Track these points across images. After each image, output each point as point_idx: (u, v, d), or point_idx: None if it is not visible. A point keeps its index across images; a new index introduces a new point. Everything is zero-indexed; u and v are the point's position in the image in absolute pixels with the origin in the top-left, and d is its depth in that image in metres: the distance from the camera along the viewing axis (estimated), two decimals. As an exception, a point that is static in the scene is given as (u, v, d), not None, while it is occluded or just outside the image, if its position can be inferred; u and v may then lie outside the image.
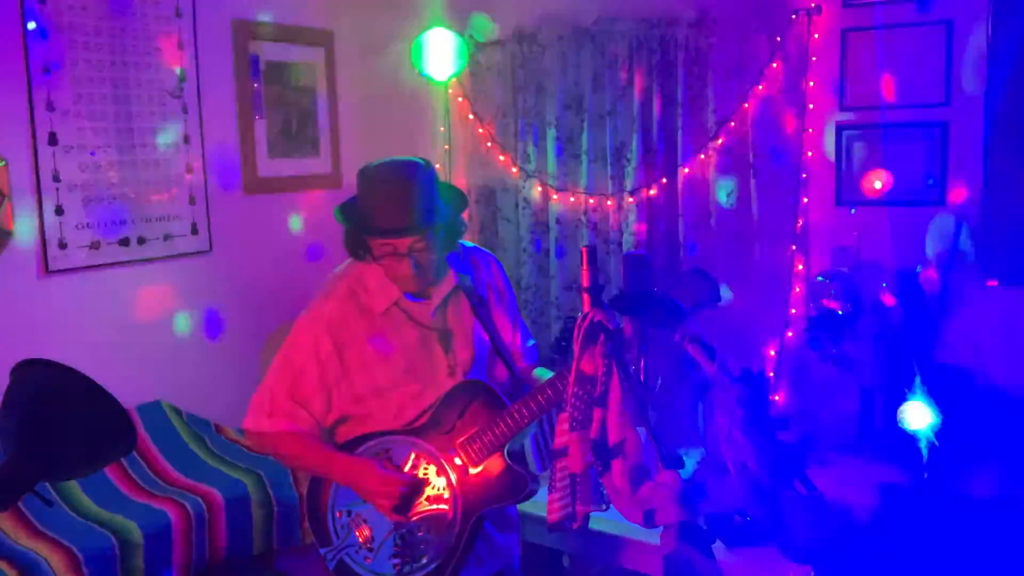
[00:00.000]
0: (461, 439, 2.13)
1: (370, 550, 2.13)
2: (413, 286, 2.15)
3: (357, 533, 2.14)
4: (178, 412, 3.61)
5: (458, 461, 2.13)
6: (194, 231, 3.78)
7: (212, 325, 3.84)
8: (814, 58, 3.23)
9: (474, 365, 2.23)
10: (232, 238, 3.93)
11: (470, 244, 2.35)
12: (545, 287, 3.88)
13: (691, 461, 2.76)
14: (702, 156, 3.43)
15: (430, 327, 2.18)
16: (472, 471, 2.12)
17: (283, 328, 4.01)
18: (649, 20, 3.47)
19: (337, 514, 2.16)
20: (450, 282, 2.21)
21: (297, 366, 2.17)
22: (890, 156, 3.17)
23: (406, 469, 2.14)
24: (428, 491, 2.13)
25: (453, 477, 2.12)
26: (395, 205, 2.05)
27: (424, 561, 2.11)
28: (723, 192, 3.40)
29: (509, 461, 2.14)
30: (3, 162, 3.11)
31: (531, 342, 2.42)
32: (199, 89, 3.76)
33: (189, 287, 3.78)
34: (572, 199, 3.74)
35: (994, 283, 2.99)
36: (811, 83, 3.25)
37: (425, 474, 2.14)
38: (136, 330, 3.57)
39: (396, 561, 2.11)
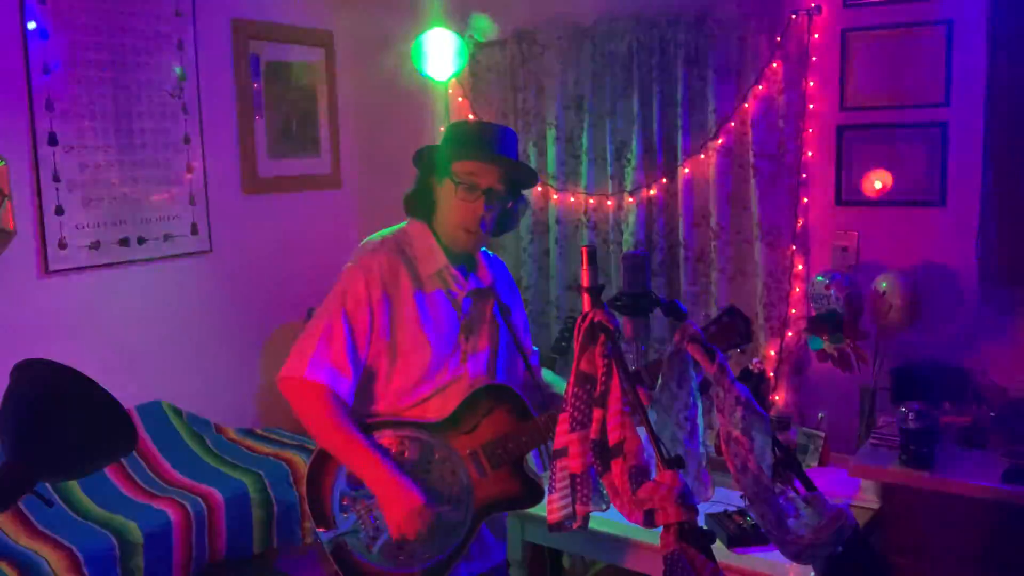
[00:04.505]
0: (483, 441, 2.13)
1: (372, 538, 2.11)
2: (468, 238, 2.15)
3: (360, 519, 2.12)
4: (178, 412, 3.61)
5: (476, 463, 2.13)
6: (194, 231, 3.78)
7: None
8: (814, 58, 3.23)
9: (498, 364, 2.25)
10: (232, 238, 3.93)
11: (490, 253, 2.39)
12: (545, 287, 3.88)
13: (691, 461, 2.76)
14: (702, 156, 3.43)
15: (459, 308, 2.20)
16: (489, 474, 2.12)
17: (283, 328, 4.04)
18: (649, 20, 3.47)
19: (342, 499, 2.14)
20: (487, 277, 2.25)
21: (349, 314, 2.10)
22: (890, 156, 3.17)
23: (421, 463, 2.12)
24: (443, 489, 2.12)
25: (468, 478, 2.12)
26: (491, 135, 2.16)
27: (427, 556, 2.11)
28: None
29: (526, 469, 2.16)
30: (3, 162, 3.11)
31: (534, 348, 2.46)
32: (199, 89, 3.76)
33: (189, 287, 3.78)
34: (572, 199, 3.74)
35: (994, 283, 2.98)
36: (811, 83, 3.25)
37: (440, 472, 2.13)
38: (136, 330, 3.57)
39: (398, 552, 2.10)
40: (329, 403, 2.06)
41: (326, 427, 2.08)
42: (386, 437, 2.14)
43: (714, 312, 3.45)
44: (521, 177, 2.21)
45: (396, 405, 2.17)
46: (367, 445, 2.07)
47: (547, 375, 2.37)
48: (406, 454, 2.13)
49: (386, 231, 2.24)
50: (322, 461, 2.16)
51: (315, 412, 2.08)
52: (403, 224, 2.25)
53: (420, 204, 2.21)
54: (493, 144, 2.14)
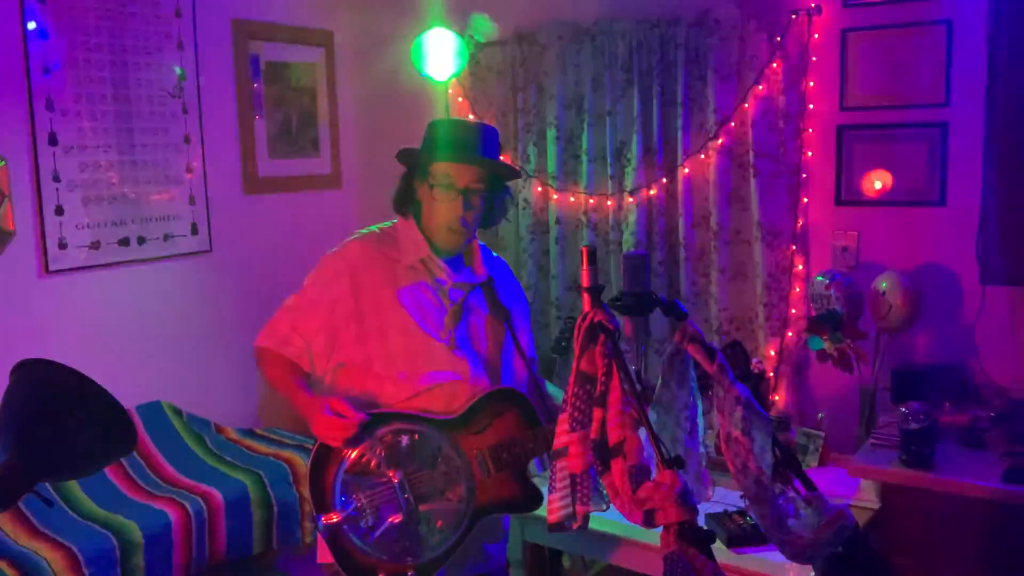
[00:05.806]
0: (490, 443, 2.14)
1: (371, 528, 2.10)
2: (452, 237, 2.19)
3: (361, 510, 2.10)
4: (178, 412, 3.61)
5: (482, 464, 2.13)
6: (194, 231, 3.78)
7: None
8: (814, 58, 3.23)
9: (501, 365, 2.26)
10: (232, 238, 3.93)
11: (494, 253, 2.41)
12: (545, 287, 3.88)
13: (691, 461, 2.76)
14: (702, 156, 3.43)
15: (446, 296, 2.21)
16: (492, 475, 2.13)
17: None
18: (649, 20, 3.46)
19: (343, 487, 2.12)
20: (483, 273, 2.26)
21: (309, 299, 2.24)
22: (890, 156, 3.17)
23: (428, 458, 2.13)
24: (446, 486, 2.13)
25: (471, 477, 2.13)
26: (466, 135, 2.19)
27: (425, 552, 2.10)
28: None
29: (528, 475, 2.17)
30: (3, 162, 3.11)
31: (535, 357, 2.46)
32: (199, 89, 3.76)
33: (189, 287, 3.78)
34: (572, 199, 3.74)
35: (994, 283, 2.99)
36: (811, 83, 3.25)
37: (445, 468, 2.13)
38: (136, 330, 3.57)
39: (394, 544, 2.10)
40: (276, 364, 2.23)
41: (275, 384, 2.25)
42: (393, 428, 2.14)
43: (714, 313, 3.45)
44: (500, 174, 2.24)
45: (397, 395, 2.18)
46: (298, 384, 2.21)
47: (550, 388, 2.38)
48: (412, 445, 2.13)
49: (374, 226, 2.32)
50: (326, 450, 2.16)
51: (265, 372, 2.26)
52: (393, 221, 2.31)
53: (406, 204, 2.26)
54: (469, 144, 2.16)
